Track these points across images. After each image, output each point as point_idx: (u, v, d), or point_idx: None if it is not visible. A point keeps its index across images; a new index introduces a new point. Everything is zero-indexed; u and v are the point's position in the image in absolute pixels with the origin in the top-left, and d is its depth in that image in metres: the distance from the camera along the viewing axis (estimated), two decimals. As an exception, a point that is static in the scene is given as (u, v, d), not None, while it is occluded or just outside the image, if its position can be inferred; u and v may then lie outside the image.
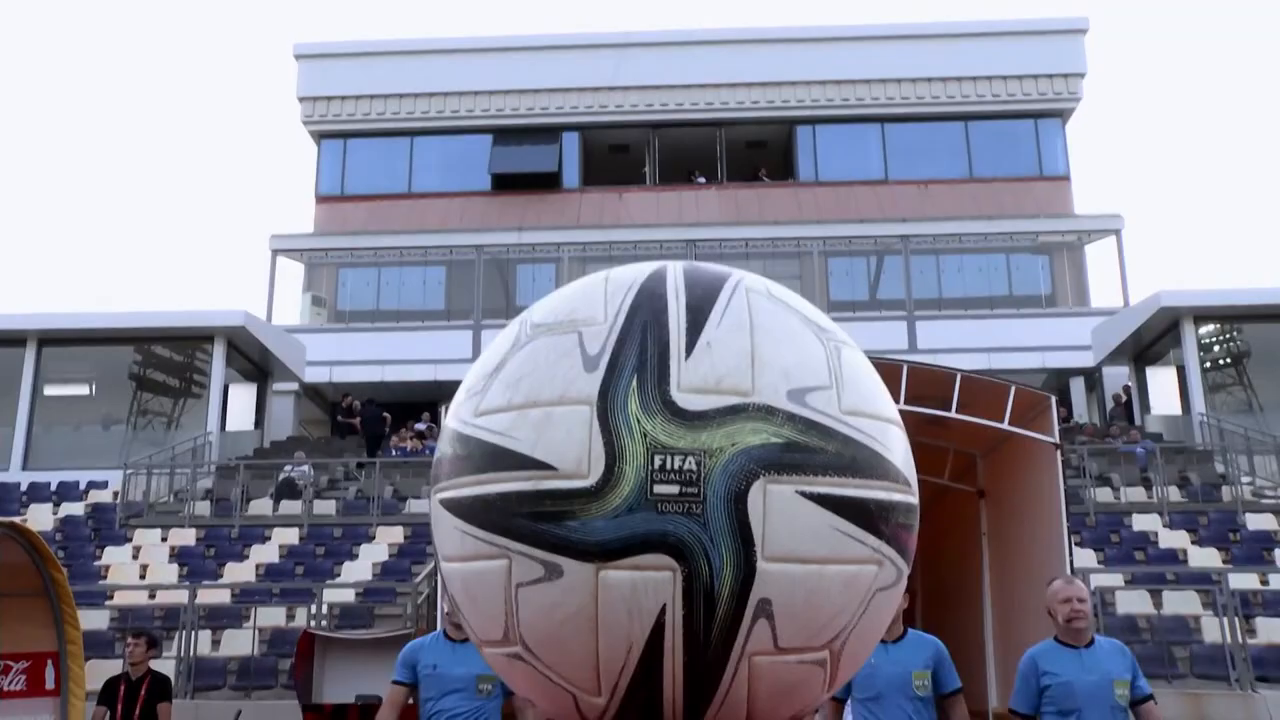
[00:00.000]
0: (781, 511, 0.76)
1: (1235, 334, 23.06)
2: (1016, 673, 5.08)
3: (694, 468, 0.78)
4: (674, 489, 0.78)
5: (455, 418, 0.84)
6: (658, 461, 0.77)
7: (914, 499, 0.82)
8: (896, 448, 0.81)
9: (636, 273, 0.82)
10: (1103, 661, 5.02)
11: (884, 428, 0.81)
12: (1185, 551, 14.76)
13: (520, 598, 0.77)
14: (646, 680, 0.77)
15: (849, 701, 5.36)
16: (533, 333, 0.82)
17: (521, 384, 0.82)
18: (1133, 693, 4.96)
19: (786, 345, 0.79)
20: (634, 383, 0.79)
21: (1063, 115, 30.15)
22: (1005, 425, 8.84)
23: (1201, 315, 22.39)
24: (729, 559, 0.77)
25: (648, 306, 0.80)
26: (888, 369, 9.23)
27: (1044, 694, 5.01)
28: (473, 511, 0.79)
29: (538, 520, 0.77)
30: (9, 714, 7.72)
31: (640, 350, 0.79)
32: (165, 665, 10.82)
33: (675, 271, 0.82)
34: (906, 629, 5.41)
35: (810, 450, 0.79)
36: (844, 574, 0.78)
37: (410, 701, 5.33)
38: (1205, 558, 14.39)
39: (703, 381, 0.78)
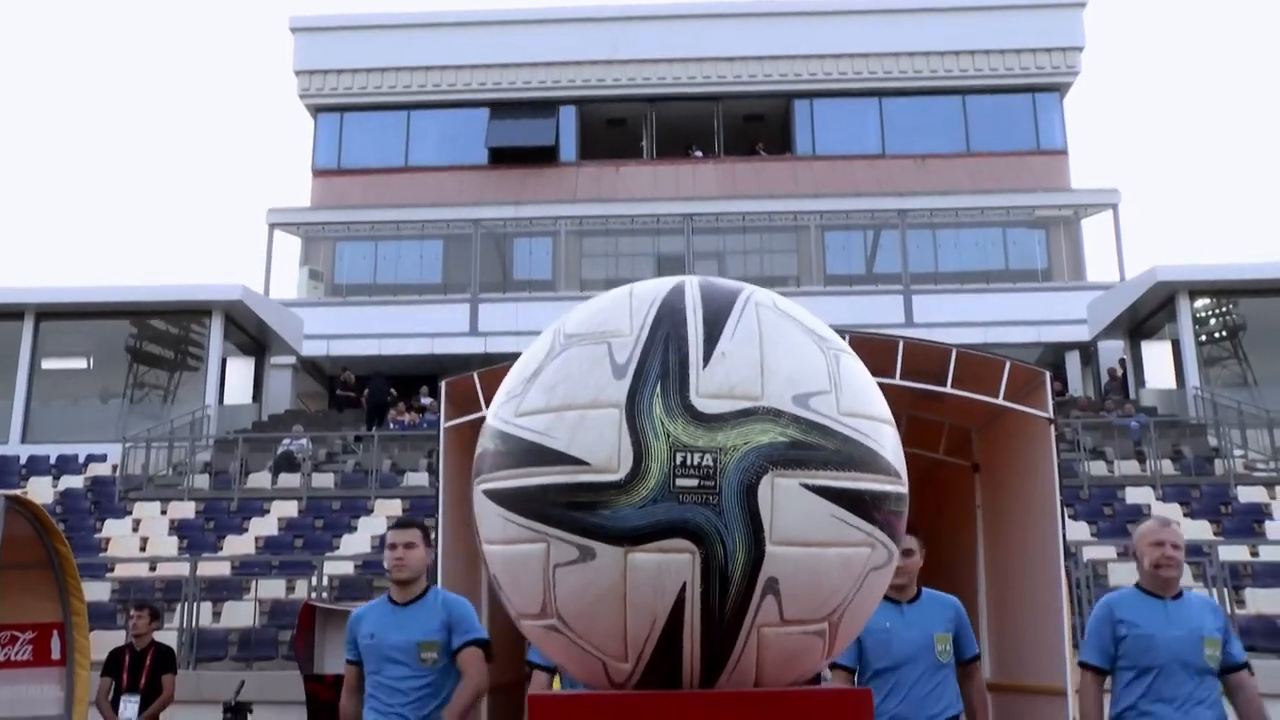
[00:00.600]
0: (787, 502, 0.87)
1: (1230, 308, 23.19)
2: (1089, 621, 4.55)
3: (711, 464, 0.89)
4: (693, 482, 0.88)
5: (497, 417, 0.93)
6: (679, 458, 0.88)
7: (904, 489, 0.92)
8: (888, 444, 0.91)
9: (658, 288, 0.92)
10: (1191, 616, 4.39)
11: (877, 426, 0.91)
12: (1177, 524, 14.89)
13: (557, 577, 0.88)
14: (668, 650, 0.87)
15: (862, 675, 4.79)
16: (566, 342, 0.92)
17: (557, 389, 0.92)
18: (1224, 657, 4.34)
19: (791, 354, 0.89)
20: (658, 389, 0.90)
21: (1060, 89, 30.13)
22: (1000, 400, 8.90)
23: (1197, 290, 22.52)
24: (741, 543, 0.87)
25: (669, 320, 0.90)
26: (883, 345, 9.33)
27: (1118, 646, 4.41)
28: (514, 501, 0.89)
29: (573, 509, 0.87)
30: (17, 683, 7.84)
31: (663, 360, 0.90)
32: (167, 636, 10.93)
33: (693, 287, 0.92)
34: (921, 589, 4.85)
35: (812, 448, 0.90)
36: (842, 555, 0.88)
37: None
38: (1197, 530, 14.53)
39: (718, 388, 0.89)
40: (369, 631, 4.73)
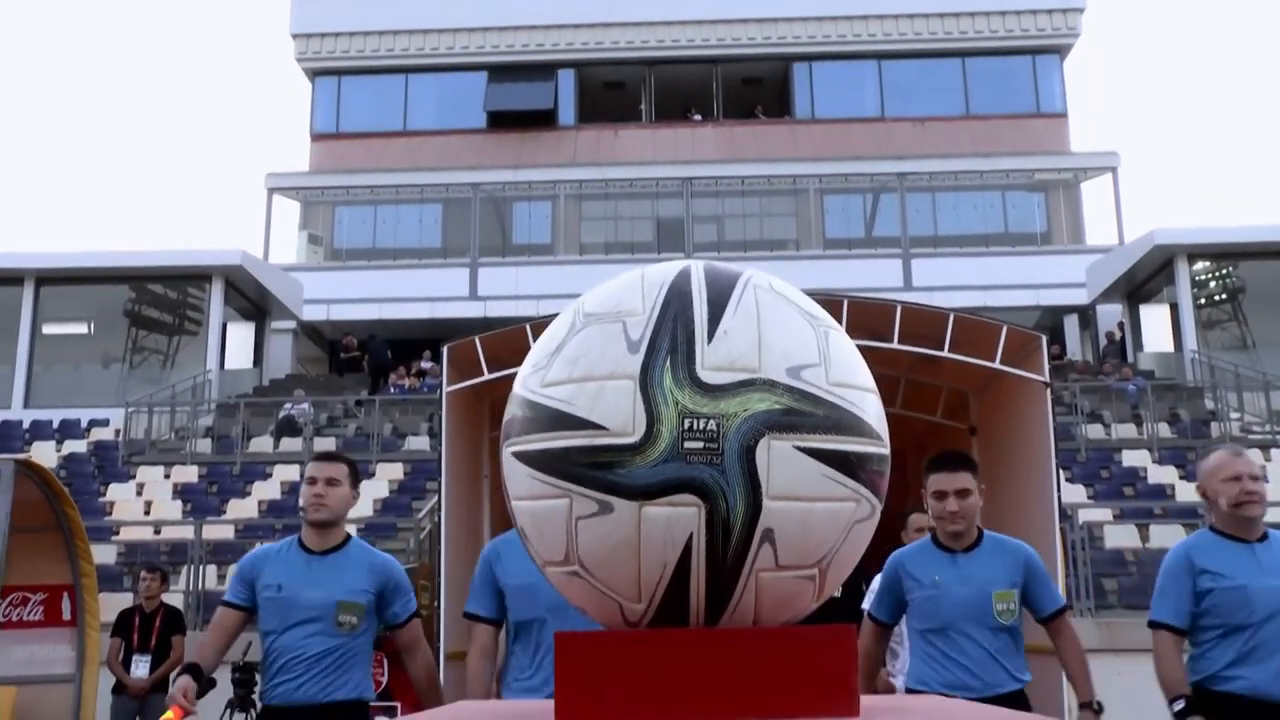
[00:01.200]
0: (782, 461, 0.98)
1: (1229, 271, 23.24)
2: (1160, 574, 3.91)
3: (714, 428, 1.01)
4: (699, 445, 1.01)
5: (524, 387, 1.05)
6: (687, 424, 1.00)
7: (886, 451, 1.03)
8: (871, 410, 1.02)
9: (667, 271, 1.04)
10: None
11: (862, 395, 1.03)
12: (1173, 486, 15.03)
13: (579, 528, 0.99)
14: (677, 592, 1.00)
15: (907, 634, 4.23)
16: (585, 320, 1.04)
17: (579, 362, 1.05)
18: None
19: (785, 331, 1.01)
20: (668, 362, 1.02)
21: (1061, 51, 30.00)
22: (997, 364, 9.01)
23: (1195, 253, 22.55)
24: (741, 498, 0.99)
25: (677, 301, 1.03)
26: (881, 309, 9.43)
27: (1203, 601, 3.74)
28: (541, 461, 1.01)
29: (593, 468, 0.99)
30: (30, 643, 7.97)
31: (672, 337, 1.02)
32: (173, 598, 11.10)
33: (698, 270, 1.04)
34: (982, 533, 4.03)
35: (804, 414, 1.02)
36: (830, 509, 1.00)
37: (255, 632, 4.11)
38: (1192, 492, 14.51)
39: (721, 361, 1.01)
40: (275, 582, 3.95)
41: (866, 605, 5.31)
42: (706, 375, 1.05)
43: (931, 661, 3.94)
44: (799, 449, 1.06)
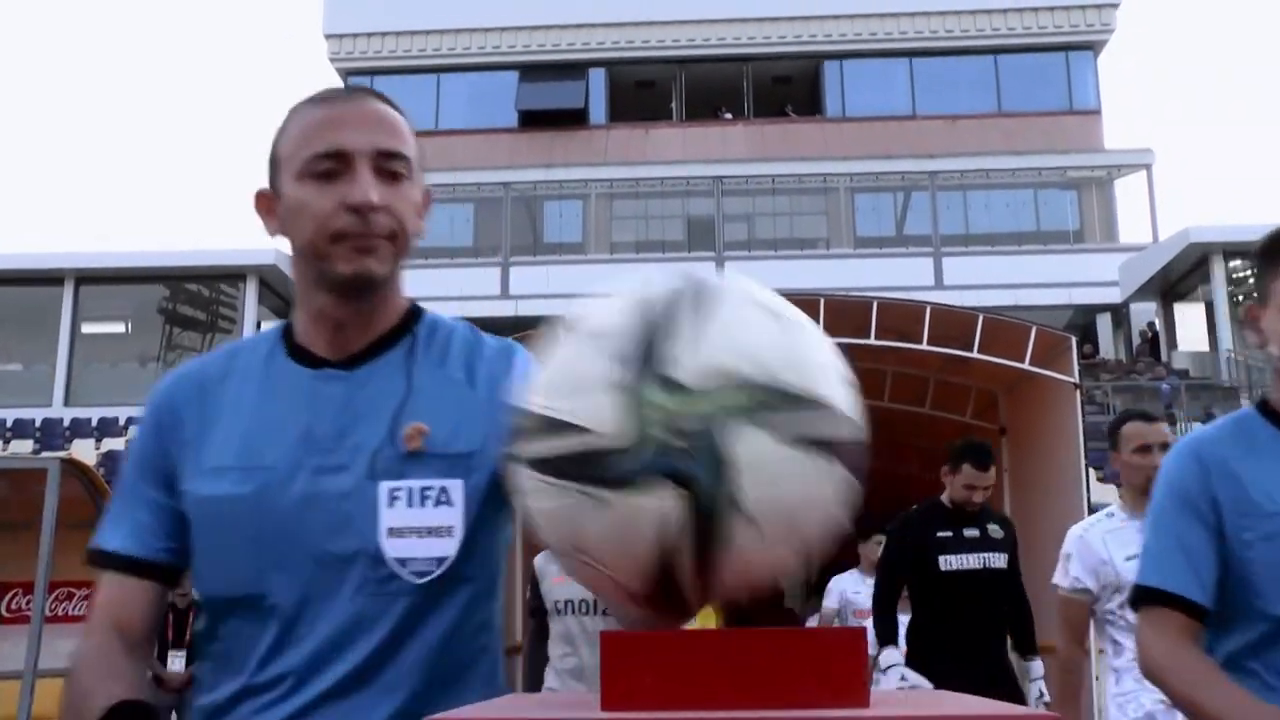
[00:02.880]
0: (756, 450, 1.08)
1: (1265, 270, 23.02)
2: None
3: (693, 426, 1.12)
4: (681, 441, 1.11)
5: (518, 397, 1.17)
6: (669, 422, 1.10)
7: (859, 434, 1.13)
8: (840, 397, 1.14)
9: (645, 282, 1.15)
10: None
11: (831, 386, 1.14)
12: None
13: (578, 519, 1.09)
14: (668, 569, 1.11)
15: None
16: (571, 333, 1.16)
17: (569, 373, 1.16)
18: None
19: (756, 333, 1.11)
20: (650, 369, 1.12)
21: (1094, 47, 29.75)
22: (1026, 365, 9.04)
23: (1231, 251, 22.33)
24: (720, 484, 1.09)
25: (656, 310, 1.14)
26: (910, 310, 9.46)
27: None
28: (540, 463, 1.12)
29: (587, 467, 1.08)
30: (76, 636, 8.11)
31: (651, 344, 1.13)
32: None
33: (674, 279, 1.15)
34: None
35: (774, 407, 1.12)
36: (804, 490, 1.12)
37: None
38: (1225, 493, 14.54)
39: (698, 366, 1.12)
40: None
41: (1062, 580, 3.96)
42: (685, 378, 1.13)
43: None
44: (773, 438, 1.14)
